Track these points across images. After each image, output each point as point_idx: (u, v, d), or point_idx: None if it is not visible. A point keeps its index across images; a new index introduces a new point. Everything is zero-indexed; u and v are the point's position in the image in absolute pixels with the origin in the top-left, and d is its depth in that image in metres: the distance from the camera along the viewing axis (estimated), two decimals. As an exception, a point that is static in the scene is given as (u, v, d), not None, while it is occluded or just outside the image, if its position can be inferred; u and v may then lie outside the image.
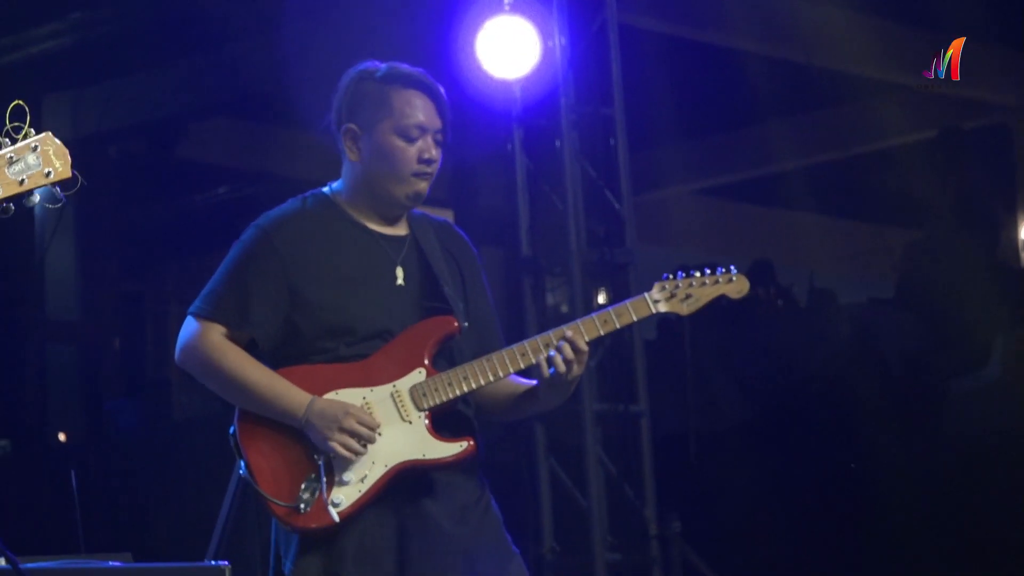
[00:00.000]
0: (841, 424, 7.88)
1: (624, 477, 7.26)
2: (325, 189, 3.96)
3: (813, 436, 8.01)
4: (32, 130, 2.96)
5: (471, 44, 7.27)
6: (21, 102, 3.01)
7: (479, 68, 7.27)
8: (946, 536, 7.52)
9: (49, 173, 2.95)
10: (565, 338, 3.77)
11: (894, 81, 11.74)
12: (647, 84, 9.23)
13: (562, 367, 3.75)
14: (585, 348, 3.77)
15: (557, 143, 7.42)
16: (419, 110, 3.84)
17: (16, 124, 2.95)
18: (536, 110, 7.47)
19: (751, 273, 10.34)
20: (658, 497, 7.32)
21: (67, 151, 2.98)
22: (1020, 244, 10.70)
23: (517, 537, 3.97)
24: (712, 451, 8.17)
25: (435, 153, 3.85)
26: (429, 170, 3.85)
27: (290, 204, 3.93)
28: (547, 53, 7.27)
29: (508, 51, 7.26)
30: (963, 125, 10.30)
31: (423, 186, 3.85)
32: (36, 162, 2.94)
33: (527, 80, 7.37)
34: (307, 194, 3.95)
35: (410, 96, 3.85)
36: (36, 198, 2.96)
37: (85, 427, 12.10)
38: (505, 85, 7.39)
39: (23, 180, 2.93)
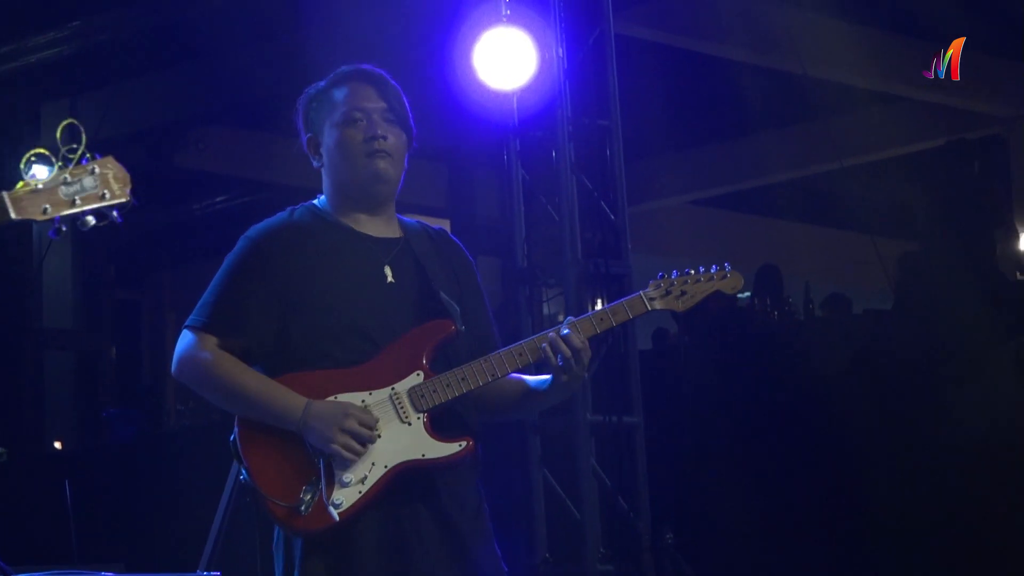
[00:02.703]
0: (838, 436, 7.87)
1: (618, 489, 7.25)
2: (314, 201, 4.00)
3: (809, 448, 7.99)
4: (90, 153, 3.01)
5: (469, 55, 7.24)
6: (75, 121, 3.05)
7: (476, 79, 7.26)
8: (945, 549, 7.50)
9: (104, 195, 2.99)
10: (561, 336, 3.78)
11: (889, 92, 11.77)
12: (643, 95, 9.25)
13: (559, 364, 3.75)
14: (581, 346, 3.77)
15: (554, 154, 7.40)
16: (357, 96, 3.90)
17: (72, 146, 2.99)
18: (533, 121, 7.44)
19: (758, 278, 10.42)
20: (652, 509, 7.31)
21: (128, 176, 3.03)
22: (1017, 254, 10.71)
23: (511, 548, 3.98)
24: (707, 463, 8.14)
25: (384, 129, 3.88)
26: (379, 147, 3.87)
27: (277, 215, 3.97)
28: (545, 64, 7.26)
29: (506, 62, 7.24)
30: (958, 136, 10.31)
31: (381, 165, 3.87)
32: (93, 184, 2.98)
33: (524, 91, 7.35)
34: (295, 206, 4.00)
35: (348, 87, 3.92)
36: (91, 220, 3.00)
37: (80, 435, 12.11)
38: (502, 96, 7.38)
39: (75, 200, 2.96)
